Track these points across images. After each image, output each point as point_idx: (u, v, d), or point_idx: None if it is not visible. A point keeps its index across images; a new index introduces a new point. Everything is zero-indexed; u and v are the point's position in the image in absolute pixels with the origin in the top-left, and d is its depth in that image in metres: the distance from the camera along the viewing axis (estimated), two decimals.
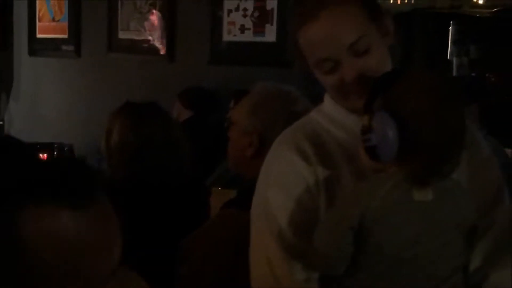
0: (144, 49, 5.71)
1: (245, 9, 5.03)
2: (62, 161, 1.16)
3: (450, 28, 6.78)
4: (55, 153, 5.20)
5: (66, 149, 5.30)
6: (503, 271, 1.61)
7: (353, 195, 1.46)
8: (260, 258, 1.64)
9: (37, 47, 6.58)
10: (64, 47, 6.33)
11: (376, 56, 1.56)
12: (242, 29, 5.07)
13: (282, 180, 1.62)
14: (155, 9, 5.63)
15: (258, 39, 4.99)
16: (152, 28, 5.66)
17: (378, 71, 1.54)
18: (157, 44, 5.62)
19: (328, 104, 1.69)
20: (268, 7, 4.91)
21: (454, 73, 6.53)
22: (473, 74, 6.52)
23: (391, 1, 5.87)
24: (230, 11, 5.12)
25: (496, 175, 1.68)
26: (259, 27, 4.98)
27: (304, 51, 1.61)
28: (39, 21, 6.57)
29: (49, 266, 1.03)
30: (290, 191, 1.60)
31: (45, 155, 5.13)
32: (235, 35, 5.11)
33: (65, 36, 6.32)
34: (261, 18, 4.96)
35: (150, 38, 5.67)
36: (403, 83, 1.41)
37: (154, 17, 5.64)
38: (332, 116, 1.66)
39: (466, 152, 1.55)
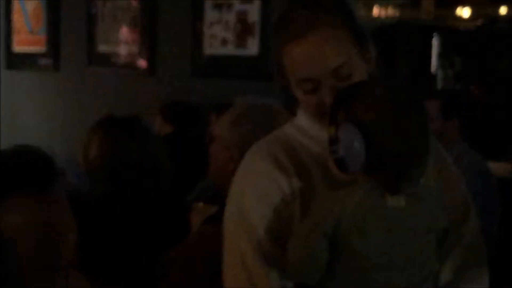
0: (124, 62, 5.68)
1: (226, 22, 5.02)
2: (19, 150, 1.21)
3: (434, 40, 6.82)
4: None
5: None
6: (473, 285, 1.67)
7: (326, 204, 1.48)
8: (236, 264, 1.66)
9: (14, 60, 6.51)
10: (42, 61, 6.27)
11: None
12: (224, 42, 5.05)
13: (259, 189, 1.64)
14: (136, 21, 5.59)
15: (240, 52, 4.97)
16: (132, 41, 5.62)
17: None
18: (138, 57, 5.58)
19: (302, 118, 1.73)
20: (250, 20, 4.89)
21: (439, 85, 6.57)
22: (457, 87, 6.55)
23: (376, 14, 5.88)
24: (211, 24, 5.10)
25: (464, 193, 1.72)
26: (241, 40, 4.96)
27: (286, 69, 1.62)
28: (16, 33, 6.51)
29: (23, 256, 1.09)
30: (267, 200, 1.62)
31: None
32: (216, 48, 5.08)
33: (43, 49, 6.26)
34: (243, 31, 4.94)
35: (130, 51, 5.64)
36: (363, 94, 1.45)
37: (135, 30, 5.60)
38: (305, 129, 1.69)
39: (435, 168, 1.63)
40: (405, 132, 1.40)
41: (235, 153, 2.23)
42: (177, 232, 2.55)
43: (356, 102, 1.43)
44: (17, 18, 6.49)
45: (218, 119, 2.51)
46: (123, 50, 5.69)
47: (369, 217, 1.43)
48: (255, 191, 1.64)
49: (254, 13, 4.87)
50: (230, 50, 5.02)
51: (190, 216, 2.84)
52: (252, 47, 4.89)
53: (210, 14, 5.10)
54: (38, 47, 6.32)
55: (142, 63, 5.57)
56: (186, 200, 3.50)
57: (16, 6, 6.50)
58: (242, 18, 4.94)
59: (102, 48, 5.83)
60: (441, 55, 6.70)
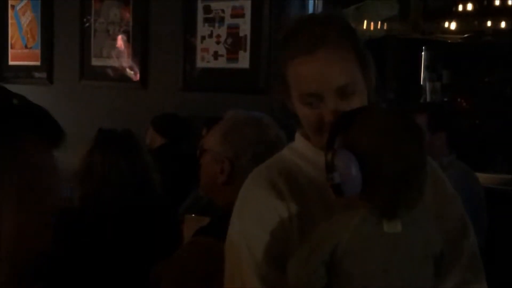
0: (117, 76, 5.71)
1: (218, 36, 5.04)
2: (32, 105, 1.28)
3: (422, 53, 6.84)
4: None
5: None
6: None
7: (324, 230, 1.48)
8: None
9: (9, 74, 6.54)
10: (36, 74, 6.31)
11: (358, 103, 1.58)
12: (216, 55, 5.07)
13: (258, 215, 1.64)
14: (128, 35, 5.63)
15: (232, 65, 4.99)
16: (125, 55, 5.65)
17: None
18: (130, 71, 5.61)
19: (300, 142, 1.73)
20: (241, 34, 4.92)
21: (427, 98, 6.59)
22: (445, 99, 6.57)
23: (364, 27, 5.92)
24: (203, 37, 5.13)
25: (460, 211, 1.72)
26: (232, 54, 4.99)
27: (288, 83, 1.63)
28: (11, 48, 6.55)
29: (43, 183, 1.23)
30: (265, 225, 1.62)
31: None
32: (208, 62, 5.11)
33: (38, 63, 6.30)
34: (235, 44, 4.97)
35: (123, 65, 5.67)
36: (361, 120, 1.46)
37: (127, 44, 5.64)
38: (303, 153, 1.70)
39: (431, 189, 1.61)
40: (401, 157, 1.40)
41: (226, 166, 2.26)
42: (168, 243, 2.57)
43: (353, 127, 1.44)
44: (12, 32, 6.54)
45: (208, 132, 2.52)
46: (115, 64, 5.71)
47: (365, 243, 1.42)
48: (253, 217, 1.65)
49: (245, 27, 4.90)
50: (221, 63, 5.04)
51: (181, 228, 2.85)
52: (244, 61, 4.92)
53: (202, 28, 5.13)
54: (32, 61, 6.36)
55: (134, 76, 5.60)
56: (177, 212, 3.52)
57: (11, 21, 6.54)
58: (233, 32, 4.97)
59: (95, 61, 5.86)
60: (429, 68, 6.72)
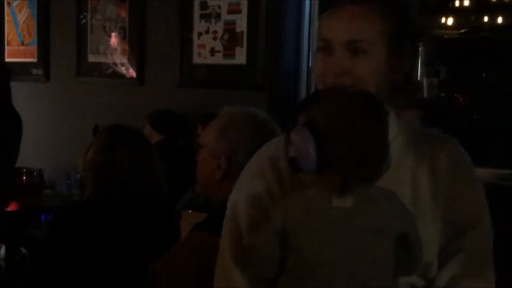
0: (113, 72, 5.71)
1: (215, 32, 5.04)
2: None
3: (419, 49, 6.85)
4: (24, 178, 5.14)
5: (35, 173, 5.24)
6: None
7: (278, 204, 1.53)
8: (218, 264, 1.72)
9: None
10: (33, 71, 6.30)
11: (367, 66, 1.59)
12: (212, 51, 5.07)
13: (249, 187, 1.70)
14: (125, 32, 5.63)
15: (228, 61, 4.99)
16: (121, 51, 5.65)
17: (361, 82, 1.58)
18: (127, 67, 5.61)
19: None
20: (238, 30, 4.92)
21: (425, 93, 6.59)
22: (442, 95, 6.57)
23: None
24: (200, 33, 5.13)
25: (473, 203, 1.66)
26: (229, 50, 4.99)
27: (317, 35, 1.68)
28: (7, 45, 6.55)
29: None
30: (253, 197, 1.67)
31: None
32: (205, 58, 5.11)
33: (34, 60, 6.30)
34: (231, 40, 4.97)
35: (119, 61, 5.67)
36: (321, 99, 1.49)
37: (124, 40, 5.64)
38: None
39: (444, 175, 1.62)
40: (355, 135, 1.42)
41: (222, 162, 2.26)
42: (166, 240, 2.58)
43: (314, 106, 1.47)
44: (8, 30, 6.53)
45: (204, 128, 2.53)
46: (112, 60, 5.72)
47: (314, 217, 1.46)
48: (245, 188, 1.71)
49: (242, 23, 4.90)
50: (218, 59, 5.05)
51: (179, 224, 2.86)
52: (240, 57, 4.92)
53: (198, 24, 5.13)
54: (29, 58, 6.35)
55: (131, 72, 5.60)
56: (175, 208, 3.52)
57: (7, 18, 6.54)
58: (230, 28, 4.97)
59: (91, 58, 5.87)
60: (426, 64, 6.71)
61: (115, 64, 5.69)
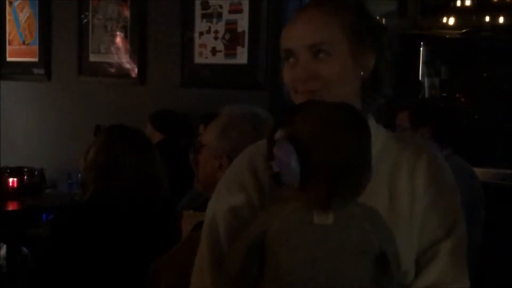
0: (115, 72, 5.71)
1: (216, 32, 5.04)
2: None
3: (421, 49, 6.84)
4: (25, 177, 5.14)
5: (36, 173, 5.25)
6: None
7: (257, 218, 1.50)
8: (196, 268, 1.71)
9: (7, 70, 6.54)
10: (34, 71, 6.31)
11: (333, 68, 1.59)
12: (214, 51, 5.07)
13: (227, 191, 1.68)
14: (126, 31, 5.63)
15: (230, 61, 4.99)
16: (123, 51, 5.65)
17: (330, 83, 1.59)
18: (128, 66, 5.61)
19: None
20: (240, 29, 4.92)
21: (426, 94, 6.60)
22: (443, 95, 6.58)
23: None
24: (201, 33, 5.13)
25: (451, 207, 1.66)
26: (230, 49, 4.99)
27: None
28: (9, 44, 6.55)
29: None
30: (230, 201, 1.65)
31: (15, 179, 5.08)
32: (206, 58, 5.11)
33: (36, 59, 6.30)
34: (233, 40, 4.96)
35: (121, 61, 5.67)
36: (302, 112, 1.46)
37: (125, 40, 5.64)
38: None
39: (425, 179, 1.61)
40: (338, 150, 1.40)
41: (224, 162, 2.27)
42: (167, 239, 2.58)
43: (295, 119, 1.44)
44: (10, 29, 6.54)
45: (205, 128, 2.53)
46: (113, 60, 5.72)
47: (293, 233, 1.42)
48: (224, 192, 1.69)
49: (243, 23, 4.90)
50: (219, 59, 5.04)
51: (180, 223, 2.87)
52: (242, 56, 4.92)
53: (200, 23, 5.13)
54: (30, 58, 6.36)
55: (132, 72, 5.60)
56: (176, 208, 3.52)
57: (8, 17, 6.54)
58: (231, 28, 4.97)
59: (93, 58, 5.86)
60: (427, 64, 6.72)
61: (116, 64, 5.69)
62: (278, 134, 1.45)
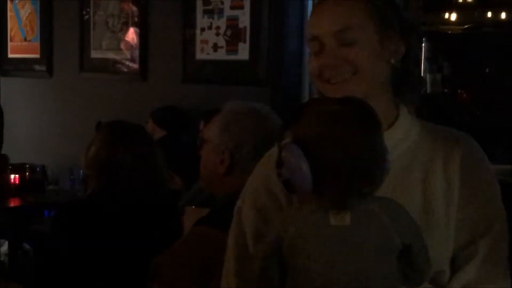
0: (116, 68, 5.71)
1: (218, 28, 5.04)
2: None
3: (423, 45, 6.84)
4: (27, 173, 5.15)
5: (38, 169, 5.26)
6: None
7: (274, 223, 1.47)
8: (223, 273, 1.68)
9: (9, 67, 6.54)
10: (36, 67, 6.31)
11: (360, 56, 1.56)
12: (215, 47, 5.07)
13: (254, 194, 1.65)
14: (128, 28, 5.63)
15: (231, 57, 4.99)
16: (124, 47, 5.65)
17: (360, 69, 1.55)
18: (130, 63, 5.61)
19: None
20: (241, 25, 4.92)
21: (428, 90, 6.59)
22: (445, 91, 6.58)
23: None
24: (203, 29, 5.13)
25: (487, 204, 1.60)
26: (232, 46, 4.99)
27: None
28: (10, 41, 6.55)
29: None
30: (257, 204, 1.63)
31: (17, 176, 5.08)
32: (208, 54, 5.11)
33: (37, 56, 6.30)
34: (234, 36, 4.97)
35: (122, 57, 5.67)
36: (307, 112, 1.42)
37: (127, 36, 5.64)
38: None
39: (460, 175, 1.56)
40: (345, 145, 1.36)
41: (226, 157, 2.26)
42: (169, 235, 2.58)
43: (301, 120, 1.40)
44: (11, 25, 6.53)
45: (206, 125, 2.52)
46: (115, 56, 5.72)
47: (310, 237, 1.39)
48: (250, 195, 1.67)
49: (244, 19, 4.90)
50: (221, 55, 5.05)
51: (182, 219, 2.87)
52: (243, 52, 4.92)
53: (201, 20, 5.13)
54: (32, 54, 6.36)
55: (134, 68, 5.60)
56: (178, 204, 3.53)
57: (10, 14, 6.54)
58: (233, 24, 4.97)
59: (94, 54, 5.86)
60: (429, 60, 6.71)
61: (118, 60, 5.69)
62: (286, 138, 1.41)
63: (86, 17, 5.88)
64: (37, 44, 6.32)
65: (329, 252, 1.39)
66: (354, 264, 1.39)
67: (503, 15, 6.15)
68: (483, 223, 1.58)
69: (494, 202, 1.62)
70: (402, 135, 1.59)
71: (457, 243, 1.57)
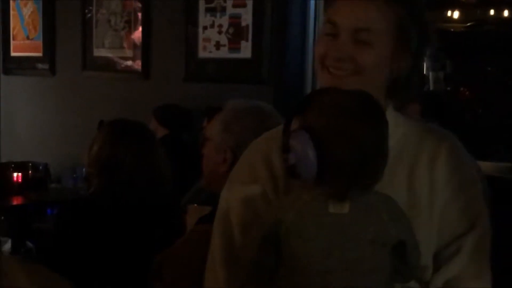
0: (119, 66, 5.71)
1: (220, 26, 5.04)
2: None
3: (426, 49, 6.83)
4: (30, 172, 5.15)
5: (41, 167, 5.26)
6: None
7: (273, 208, 1.49)
8: (209, 264, 1.69)
9: (12, 65, 6.55)
10: (38, 65, 6.31)
11: (370, 58, 1.56)
12: (218, 45, 5.07)
13: (241, 184, 1.66)
14: (130, 26, 5.63)
15: (234, 55, 4.99)
16: (127, 46, 5.65)
17: (363, 71, 1.55)
18: (132, 61, 5.61)
19: None
20: (243, 24, 4.91)
21: (431, 87, 6.59)
22: (448, 89, 6.58)
23: None
24: (205, 27, 5.12)
25: (471, 201, 1.62)
26: (234, 44, 4.98)
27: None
28: (13, 39, 6.55)
29: None
30: (245, 194, 1.63)
31: (20, 174, 5.09)
32: (210, 52, 5.11)
33: (40, 54, 6.30)
34: (236, 34, 4.96)
35: (125, 55, 5.67)
36: (317, 101, 1.43)
37: (129, 35, 5.64)
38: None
39: (446, 173, 1.58)
40: (353, 138, 1.37)
41: (228, 155, 2.27)
42: (171, 233, 2.58)
43: (311, 109, 1.41)
44: (14, 24, 6.54)
45: (209, 122, 2.52)
46: (117, 54, 5.72)
47: (309, 223, 1.40)
48: (238, 185, 1.67)
49: (247, 17, 4.89)
50: (223, 53, 5.04)
51: (184, 217, 2.87)
52: (246, 51, 4.91)
53: (203, 18, 5.12)
54: (34, 52, 6.36)
55: (136, 67, 5.60)
56: (180, 202, 3.53)
57: (12, 12, 6.54)
58: (235, 22, 4.97)
59: (97, 52, 5.86)
60: (432, 58, 6.71)
61: (120, 58, 5.69)
62: (294, 125, 1.42)
63: (89, 15, 5.88)
64: (39, 42, 6.32)
65: (326, 240, 1.40)
66: (351, 252, 1.40)
67: (505, 13, 6.15)
68: (467, 220, 1.59)
69: (477, 200, 1.63)
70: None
71: (442, 238, 1.58)
